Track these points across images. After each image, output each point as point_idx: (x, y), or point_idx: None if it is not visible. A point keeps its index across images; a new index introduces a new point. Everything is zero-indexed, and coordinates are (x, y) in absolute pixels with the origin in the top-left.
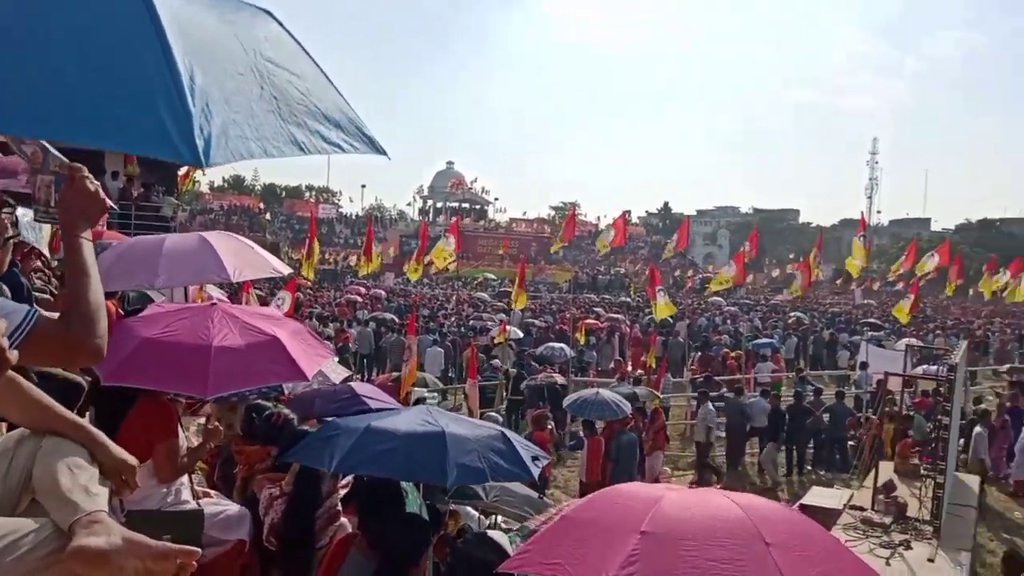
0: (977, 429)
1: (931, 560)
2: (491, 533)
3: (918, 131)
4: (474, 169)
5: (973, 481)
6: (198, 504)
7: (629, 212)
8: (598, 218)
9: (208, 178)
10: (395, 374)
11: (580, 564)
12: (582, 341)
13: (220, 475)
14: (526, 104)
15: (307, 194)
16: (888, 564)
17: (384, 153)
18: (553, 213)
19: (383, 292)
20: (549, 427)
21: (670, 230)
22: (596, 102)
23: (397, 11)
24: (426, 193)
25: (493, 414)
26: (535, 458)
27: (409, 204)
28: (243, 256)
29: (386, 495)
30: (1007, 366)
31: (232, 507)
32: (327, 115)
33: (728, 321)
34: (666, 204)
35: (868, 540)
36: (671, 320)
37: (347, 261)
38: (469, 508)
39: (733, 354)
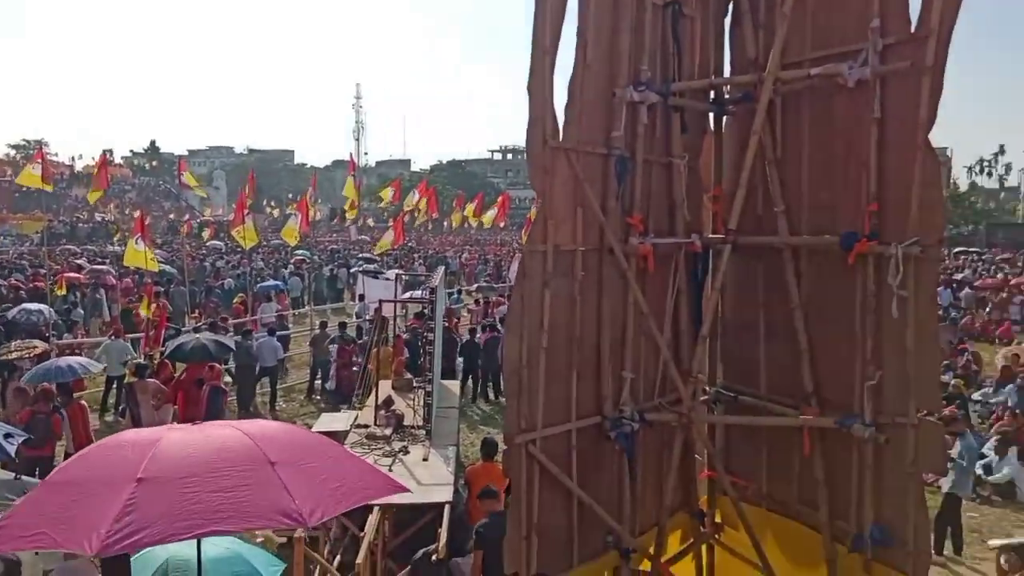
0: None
1: (425, 459)
2: None
3: (395, 78)
4: None
5: (455, 386)
6: None
7: (111, 152)
8: (72, 158)
9: None
10: None
11: (69, 528)
12: (61, 294)
13: None
14: None
15: None
16: (391, 470)
17: None
18: (13, 152)
19: None
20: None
21: (160, 172)
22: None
23: None
24: None
25: None
26: (8, 435)
27: None
28: None
29: None
30: (475, 285)
31: None
32: None
33: (229, 265)
34: (153, 143)
35: (373, 453)
36: (170, 269)
37: None
38: None
39: (239, 298)
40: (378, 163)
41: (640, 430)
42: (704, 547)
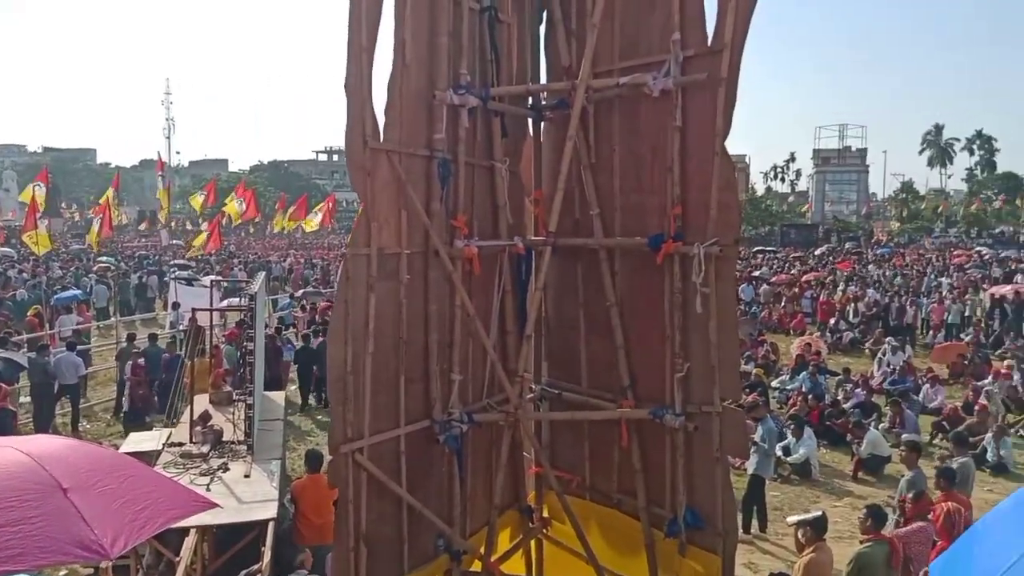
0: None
1: (247, 476)
2: None
3: (215, 76)
4: None
5: (279, 396)
6: None
7: None
8: None
9: None
10: None
11: None
12: None
13: None
14: None
15: None
16: (209, 489)
17: None
18: None
19: None
20: None
21: None
22: None
23: None
24: None
25: None
26: None
27: None
28: None
29: None
30: (301, 291)
31: None
32: None
33: (22, 274)
34: None
35: (189, 472)
36: None
37: None
38: None
39: (33, 310)
40: (192, 163)
41: (469, 431)
42: (533, 542)
